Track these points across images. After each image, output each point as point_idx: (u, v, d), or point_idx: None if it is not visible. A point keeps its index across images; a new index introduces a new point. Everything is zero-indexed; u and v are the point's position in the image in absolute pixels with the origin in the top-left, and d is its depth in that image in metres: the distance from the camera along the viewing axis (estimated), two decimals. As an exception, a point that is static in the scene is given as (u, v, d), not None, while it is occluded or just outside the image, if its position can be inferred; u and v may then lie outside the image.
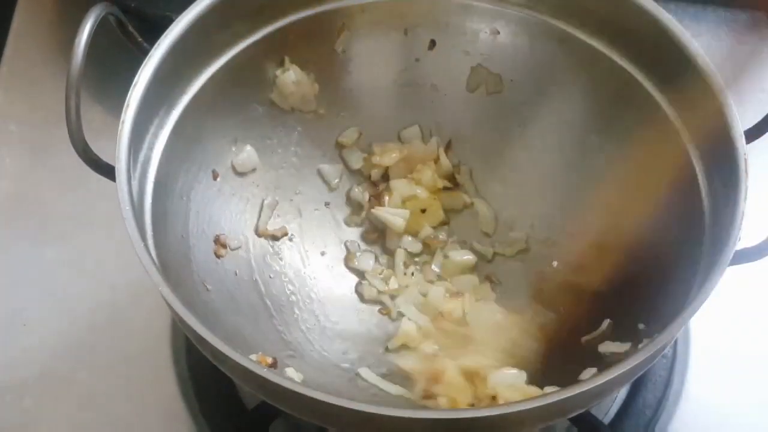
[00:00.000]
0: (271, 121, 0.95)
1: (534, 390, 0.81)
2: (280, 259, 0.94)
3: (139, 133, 0.80)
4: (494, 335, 0.90)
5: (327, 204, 0.98)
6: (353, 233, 0.98)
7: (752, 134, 0.82)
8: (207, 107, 0.88)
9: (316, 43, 0.93)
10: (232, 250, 0.91)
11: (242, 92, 0.91)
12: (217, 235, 0.90)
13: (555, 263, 0.94)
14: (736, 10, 1.19)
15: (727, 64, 1.12)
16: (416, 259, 0.97)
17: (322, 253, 0.97)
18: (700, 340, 0.97)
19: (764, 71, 1.15)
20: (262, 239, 0.94)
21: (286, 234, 0.95)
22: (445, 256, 0.96)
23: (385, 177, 0.99)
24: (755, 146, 0.81)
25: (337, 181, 0.98)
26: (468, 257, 0.96)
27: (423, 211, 0.97)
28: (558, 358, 0.87)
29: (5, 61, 1.15)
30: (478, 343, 0.90)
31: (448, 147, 0.98)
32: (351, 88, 0.97)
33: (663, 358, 0.94)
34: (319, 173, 0.98)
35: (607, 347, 0.83)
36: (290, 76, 0.92)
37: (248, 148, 0.93)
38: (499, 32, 0.94)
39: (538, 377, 0.83)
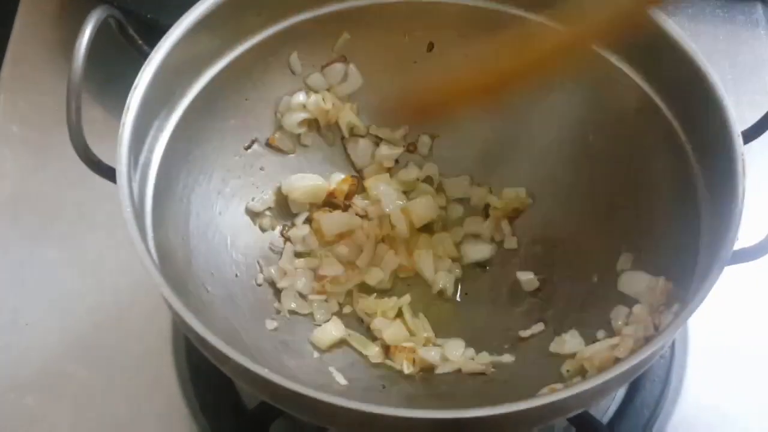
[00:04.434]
0: (272, 125, 0.95)
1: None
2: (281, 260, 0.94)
3: (140, 135, 0.80)
4: None
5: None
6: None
7: (750, 134, 0.82)
8: (207, 110, 0.88)
9: (316, 46, 0.94)
10: (232, 252, 0.91)
11: (243, 95, 0.92)
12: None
13: (553, 260, 0.95)
14: (734, 11, 1.19)
15: (725, 64, 1.13)
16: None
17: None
18: (699, 340, 0.97)
19: (762, 72, 1.16)
20: (263, 241, 0.94)
21: (287, 235, 0.96)
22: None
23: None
24: (753, 146, 0.81)
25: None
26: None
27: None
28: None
29: (7, 63, 1.16)
30: None
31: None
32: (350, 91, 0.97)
33: (661, 358, 0.94)
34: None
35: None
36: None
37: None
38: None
39: None
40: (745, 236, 0.74)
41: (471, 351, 0.90)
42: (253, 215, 0.94)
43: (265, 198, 0.95)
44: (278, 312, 0.91)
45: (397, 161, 1.00)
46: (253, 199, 0.94)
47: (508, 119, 0.96)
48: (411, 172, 0.99)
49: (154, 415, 0.94)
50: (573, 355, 0.85)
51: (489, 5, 0.93)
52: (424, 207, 0.97)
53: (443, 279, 0.95)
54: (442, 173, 1.00)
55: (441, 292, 0.95)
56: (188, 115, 0.86)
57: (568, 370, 0.85)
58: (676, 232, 0.83)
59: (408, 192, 0.99)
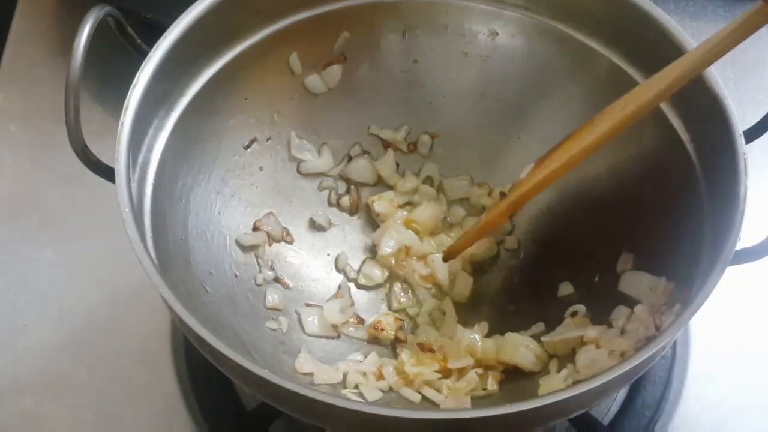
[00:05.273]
0: (271, 125, 0.95)
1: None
2: (280, 261, 0.94)
3: (139, 134, 0.80)
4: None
5: (328, 206, 0.99)
6: (353, 237, 0.98)
7: (751, 134, 0.82)
8: (206, 109, 0.88)
9: (316, 45, 0.93)
10: (232, 252, 0.91)
11: (242, 94, 0.91)
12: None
13: (551, 264, 0.94)
14: (735, 10, 1.19)
15: (727, 63, 1.12)
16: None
17: (327, 255, 0.97)
18: (700, 340, 0.97)
19: (763, 71, 1.16)
20: (262, 242, 0.94)
21: (285, 236, 0.95)
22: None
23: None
24: (754, 146, 0.81)
25: (333, 187, 0.99)
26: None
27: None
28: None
29: (5, 62, 1.16)
30: None
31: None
32: (350, 91, 0.97)
33: (662, 358, 0.94)
34: (317, 178, 0.98)
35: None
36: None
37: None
38: (497, 33, 0.94)
39: None
40: (747, 236, 0.74)
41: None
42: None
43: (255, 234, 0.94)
44: (277, 311, 0.91)
45: (397, 164, 1.00)
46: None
47: (509, 120, 0.96)
48: (409, 182, 0.99)
49: (153, 416, 0.94)
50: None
51: (487, 6, 0.93)
52: (429, 214, 0.97)
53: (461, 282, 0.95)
54: (442, 174, 1.00)
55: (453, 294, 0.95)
56: (187, 115, 0.86)
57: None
58: (678, 232, 0.83)
59: (410, 194, 0.99)
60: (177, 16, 0.83)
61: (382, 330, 0.91)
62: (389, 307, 0.95)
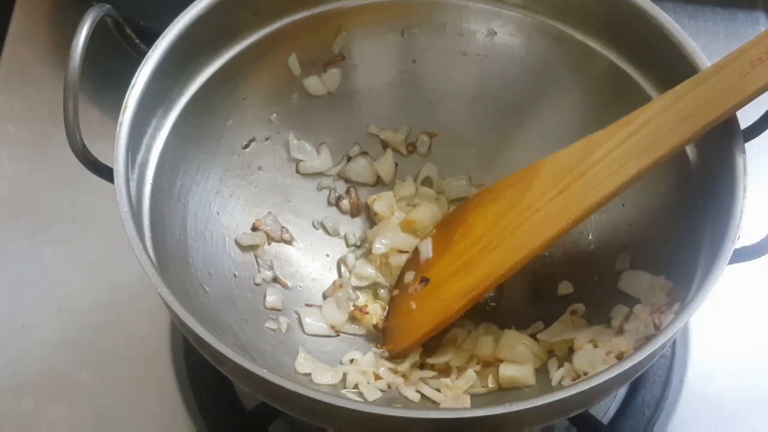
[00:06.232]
0: (270, 125, 0.95)
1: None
2: (279, 261, 0.94)
3: (137, 134, 0.80)
4: None
5: (328, 206, 0.98)
6: (353, 237, 0.98)
7: (750, 132, 0.82)
8: (205, 109, 0.88)
9: (314, 45, 0.93)
10: (231, 252, 0.91)
11: (240, 94, 0.91)
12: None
13: (553, 259, 0.94)
14: (734, 9, 1.19)
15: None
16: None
17: (327, 255, 0.97)
18: (700, 339, 0.97)
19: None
20: (261, 241, 0.94)
21: (284, 236, 0.95)
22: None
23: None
24: (753, 144, 0.81)
25: (332, 187, 0.99)
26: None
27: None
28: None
29: (3, 62, 1.15)
30: None
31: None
32: (348, 91, 0.97)
33: (662, 357, 0.94)
34: (316, 178, 0.98)
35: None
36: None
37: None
38: (496, 33, 0.94)
39: None
40: (746, 234, 0.74)
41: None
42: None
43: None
44: (276, 311, 0.91)
45: (396, 164, 1.00)
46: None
47: (508, 119, 0.96)
48: (408, 187, 0.99)
49: (153, 416, 0.94)
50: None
51: (486, 5, 0.93)
52: (429, 214, 0.97)
53: None
54: (441, 173, 1.00)
55: None
56: (186, 114, 0.86)
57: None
58: (677, 231, 0.83)
59: (408, 199, 0.99)
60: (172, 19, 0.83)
61: (366, 314, 0.91)
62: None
